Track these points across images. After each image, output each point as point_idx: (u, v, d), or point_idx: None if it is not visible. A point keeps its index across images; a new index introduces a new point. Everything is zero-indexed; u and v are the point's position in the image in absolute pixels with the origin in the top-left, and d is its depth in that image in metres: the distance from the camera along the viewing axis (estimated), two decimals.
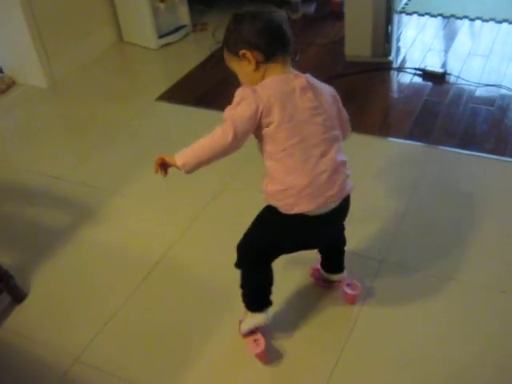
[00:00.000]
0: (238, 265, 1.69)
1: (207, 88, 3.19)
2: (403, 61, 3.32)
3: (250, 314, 1.73)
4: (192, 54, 3.64)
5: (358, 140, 2.65)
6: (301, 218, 1.50)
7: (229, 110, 1.47)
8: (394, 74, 3.22)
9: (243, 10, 1.54)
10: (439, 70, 3.13)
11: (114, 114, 3.08)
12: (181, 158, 1.49)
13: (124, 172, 2.62)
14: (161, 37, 3.73)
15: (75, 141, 2.90)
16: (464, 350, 1.71)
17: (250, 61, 1.49)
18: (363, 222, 2.14)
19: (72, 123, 3.08)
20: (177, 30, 3.81)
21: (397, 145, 2.64)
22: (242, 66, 1.53)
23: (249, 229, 1.63)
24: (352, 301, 1.86)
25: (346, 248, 1.83)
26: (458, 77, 3.09)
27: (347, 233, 1.79)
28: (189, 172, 1.51)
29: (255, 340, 1.72)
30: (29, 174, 2.68)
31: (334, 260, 1.85)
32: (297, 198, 1.47)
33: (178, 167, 1.51)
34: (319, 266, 1.89)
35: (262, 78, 1.51)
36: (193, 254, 2.14)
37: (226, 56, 1.56)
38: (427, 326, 1.79)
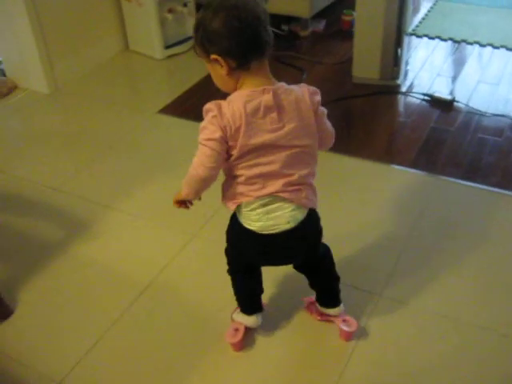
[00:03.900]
0: (227, 271, 1.78)
1: None
2: (411, 85, 3.27)
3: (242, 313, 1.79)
4: (197, 66, 3.58)
5: (361, 166, 2.61)
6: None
7: (201, 134, 1.45)
8: (401, 98, 3.17)
9: None
10: (447, 96, 3.07)
11: (114, 125, 3.03)
12: (183, 189, 1.54)
13: (122, 185, 2.56)
14: (167, 47, 3.68)
15: (74, 150, 2.85)
16: None
17: (223, 66, 1.36)
18: (363, 252, 2.09)
19: (72, 132, 3.02)
20: (183, 41, 3.77)
21: (401, 173, 2.58)
22: (214, 68, 1.40)
23: None
24: (347, 338, 1.79)
25: (342, 279, 1.77)
26: (466, 105, 3.03)
27: (345, 262, 1.73)
28: (195, 198, 1.58)
29: (236, 329, 1.79)
30: (24, 182, 2.63)
31: (328, 295, 1.79)
32: None
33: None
34: (314, 299, 1.83)
35: (237, 83, 1.40)
36: (187, 275, 2.09)
37: (197, 50, 1.41)
38: (422, 364, 1.73)
